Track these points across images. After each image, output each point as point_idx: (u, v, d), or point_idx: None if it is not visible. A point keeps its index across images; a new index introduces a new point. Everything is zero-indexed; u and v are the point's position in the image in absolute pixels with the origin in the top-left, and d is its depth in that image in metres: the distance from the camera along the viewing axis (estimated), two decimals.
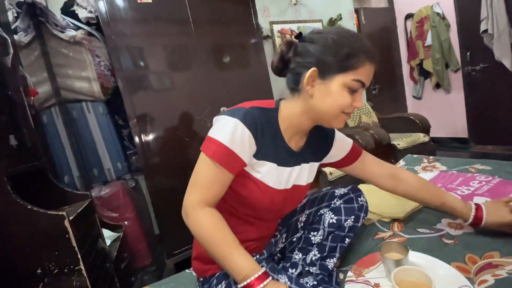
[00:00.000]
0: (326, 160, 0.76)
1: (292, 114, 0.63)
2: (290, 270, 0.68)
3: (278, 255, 0.76)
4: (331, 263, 0.69)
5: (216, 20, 1.85)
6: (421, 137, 2.54)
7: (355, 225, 0.73)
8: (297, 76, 0.60)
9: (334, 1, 2.97)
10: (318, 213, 0.74)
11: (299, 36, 0.62)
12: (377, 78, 3.35)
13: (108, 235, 1.46)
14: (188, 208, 0.57)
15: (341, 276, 0.72)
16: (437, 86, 3.28)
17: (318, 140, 0.72)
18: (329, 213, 0.72)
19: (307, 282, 0.63)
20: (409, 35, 3.46)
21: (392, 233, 0.85)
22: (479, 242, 0.72)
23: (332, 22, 2.90)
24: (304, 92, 0.59)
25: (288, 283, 0.60)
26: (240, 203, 0.65)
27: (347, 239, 0.72)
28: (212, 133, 0.58)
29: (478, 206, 0.72)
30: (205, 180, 0.57)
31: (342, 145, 0.76)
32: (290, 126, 0.64)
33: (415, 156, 1.44)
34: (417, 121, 2.68)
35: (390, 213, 0.92)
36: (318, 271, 0.66)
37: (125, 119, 1.69)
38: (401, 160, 1.43)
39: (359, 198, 0.74)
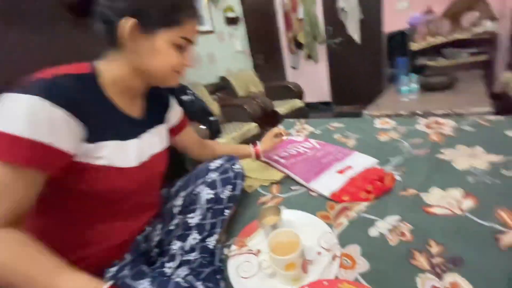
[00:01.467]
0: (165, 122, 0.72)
1: (120, 76, 0.53)
2: (168, 264, 0.60)
3: (156, 250, 0.65)
4: (212, 241, 0.65)
5: None
6: (297, 103, 2.88)
7: (233, 194, 0.70)
8: (109, 25, 0.49)
9: None
10: (194, 192, 0.67)
11: None
12: (261, 48, 3.48)
13: None
14: None
15: (226, 251, 0.70)
16: (309, 57, 3.73)
17: (158, 100, 0.68)
18: (206, 189, 0.66)
19: (178, 275, 0.56)
20: (285, 8, 3.69)
21: (272, 195, 0.89)
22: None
23: None
24: (126, 48, 0.50)
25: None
26: (94, 205, 0.52)
27: (226, 211, 0.69)
28: None
29: (254, 143, 0.99)
30: None
31: (176, 110, 0.76)
32: (122, 91, 0.55)
33: (291, 120, 1.57)
34: (294, 89, 3.00)
35: (268, 177, 0.96)
36: (198, 256, 0.61)
37: None
38: (280, 125, 1.54)
39: (233, 166, 0.72)
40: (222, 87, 2.77)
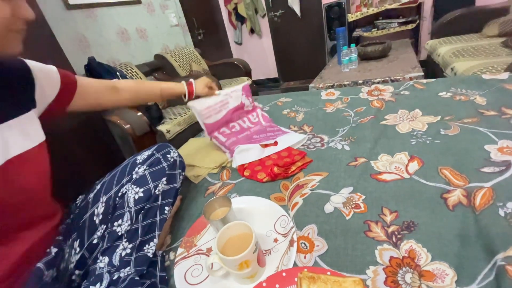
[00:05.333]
0: (40, 105, 0.55)
1: None
2: (93, 287, 0.47)
3: (76, 272, 0.52)
4: (150, 248, 0.54)
5: None
6: (245, 81, 2.77)
7: (172, 187, 0.59)
8: None
9: None
10: (120, 194, 0.54)
11: None
12: (200, 22, 3.20)
13: None
14: None
15: (172, 256, 0.60)
16: (252, 31, 3.58)
17: (6, 81, 0.48)
18: (132, 188, 0.54)
19: None
20: None
21: (222, 182, 0.80)
22: None
23: None
24: None
25: None
26: None
27: (167, 208, 0.58)
28: None
29: (189, 82, 0.87)
30: None
31: (47, 75, 0.57)
32: None
33: None
34: (241, 66, 2.86)
35: (216, 163, 0.86)
36: (133, 270, 0.49)
37: None
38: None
39: (168, 155, 0.60)
40: (159, 67, 2.49)
